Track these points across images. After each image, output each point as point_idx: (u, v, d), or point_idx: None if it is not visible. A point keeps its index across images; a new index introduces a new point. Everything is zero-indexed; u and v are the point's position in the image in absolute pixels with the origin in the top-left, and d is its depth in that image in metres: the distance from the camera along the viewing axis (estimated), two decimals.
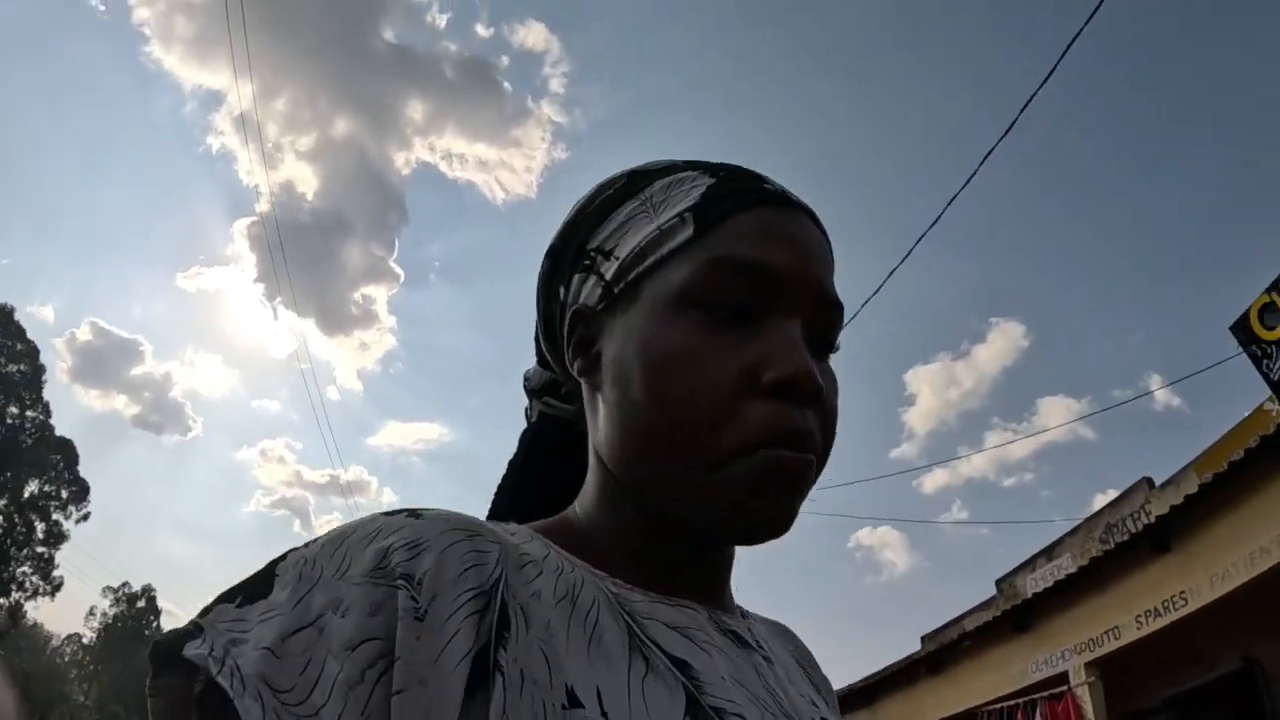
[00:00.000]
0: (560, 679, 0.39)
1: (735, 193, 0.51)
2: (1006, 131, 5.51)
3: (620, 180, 0.55)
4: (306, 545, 0.42)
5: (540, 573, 0.44)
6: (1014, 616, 8.56)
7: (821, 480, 0.51)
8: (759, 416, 0.46)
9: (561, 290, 0.56)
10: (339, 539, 0.41)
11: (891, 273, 6.80)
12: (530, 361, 0.65)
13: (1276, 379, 6.70)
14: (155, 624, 44.25)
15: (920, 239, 6.43)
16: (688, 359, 0.46)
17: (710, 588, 0.53)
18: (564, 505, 0.56)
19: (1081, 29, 4.74)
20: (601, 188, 0.56)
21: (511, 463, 0.65)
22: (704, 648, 0.47)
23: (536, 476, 0.64)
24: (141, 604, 45.14)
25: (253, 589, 0.39)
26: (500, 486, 0.65)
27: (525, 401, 0.67)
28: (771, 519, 0.47)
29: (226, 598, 0.39)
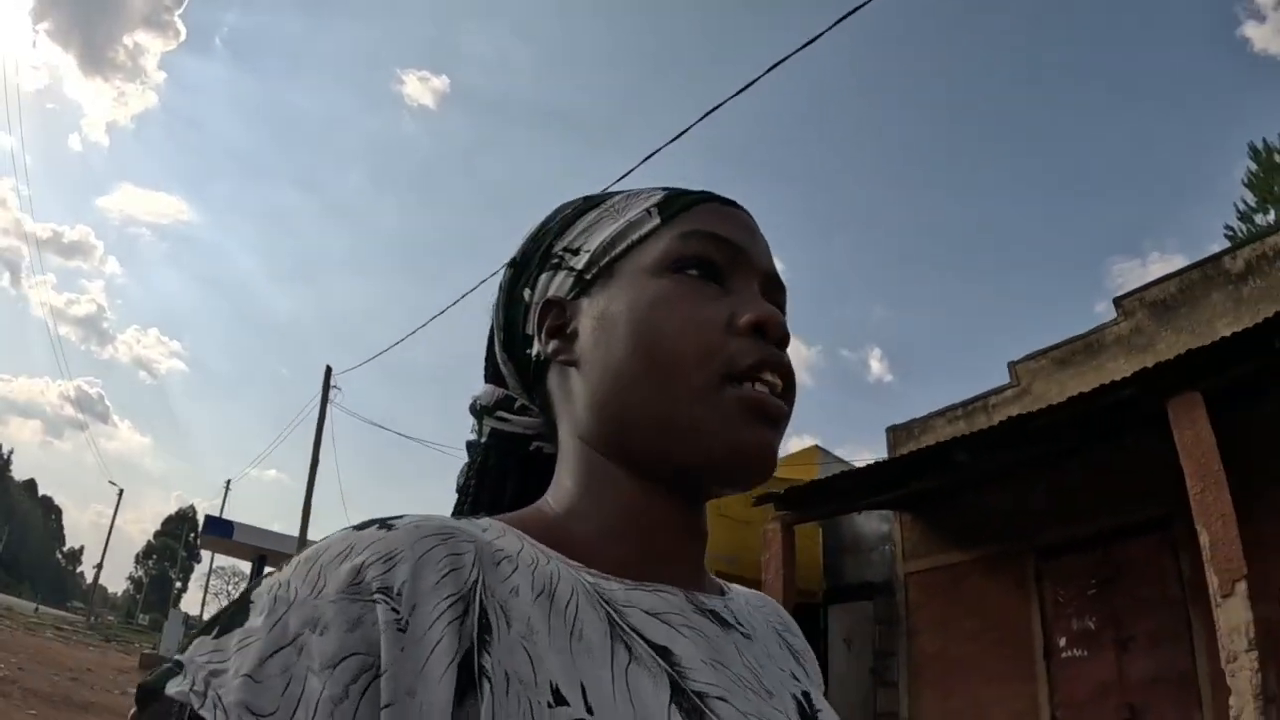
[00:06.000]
0: (545, 676, 0.39)
1: (689, 194, 0.58)
2: None
3: (577, 201, 0.61)
4: (279, 570, 0.41)
5: (516, 568, 0.44)
6: None
7: None
8: (744, 349, 0.50)
9: (527, 292, 0.59)
10: (312, 559, 0.41)
11: None
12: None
13: None
14: None
15: None
16: (675, 302, 0.51)
17: (688, 567, 0.53)
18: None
19: None
20: (560, 208, 0.61)
21: (464, 486, 0.62)
22: (682, 631, 0.47)
23: (490, 495, 0.62)
24: None
25: (229, 619, 0.39)
26: (455, 507, 0.62)
27: (472, 425, 0.64)
28: (757, 451, 0.49)
29: (203, 630, 0.39)
